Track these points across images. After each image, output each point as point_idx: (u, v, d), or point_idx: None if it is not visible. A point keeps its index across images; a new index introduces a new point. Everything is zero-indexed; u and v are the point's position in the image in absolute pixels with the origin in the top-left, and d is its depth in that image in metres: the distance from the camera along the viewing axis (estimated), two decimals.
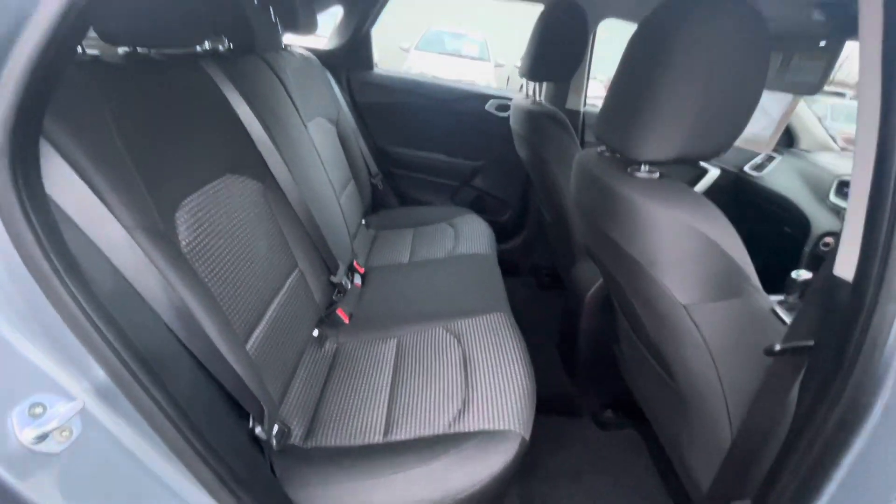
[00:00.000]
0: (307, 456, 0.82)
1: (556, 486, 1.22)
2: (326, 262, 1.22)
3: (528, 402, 0.90)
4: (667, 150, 0.62)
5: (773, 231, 1.63)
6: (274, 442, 0.78)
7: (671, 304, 0.68)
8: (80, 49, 0.77)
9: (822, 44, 1.16)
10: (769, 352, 0.59)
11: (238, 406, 0.72)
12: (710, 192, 1.84)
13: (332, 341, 1.15)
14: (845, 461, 0.50)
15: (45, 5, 0.41)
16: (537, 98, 1.50)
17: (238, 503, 0.61)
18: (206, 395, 0.67)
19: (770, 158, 1.76)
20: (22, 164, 0.46)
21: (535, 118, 1.32)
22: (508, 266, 1.67)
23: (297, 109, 1.40)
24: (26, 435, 0.45)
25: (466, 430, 0.84)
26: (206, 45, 1.18)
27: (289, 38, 1.66)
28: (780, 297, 0.95)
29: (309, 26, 1.58)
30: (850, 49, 1.12)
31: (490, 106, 2.02)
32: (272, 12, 1.44)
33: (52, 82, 0.47)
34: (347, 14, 2.02)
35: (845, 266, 0.49)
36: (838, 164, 1.58)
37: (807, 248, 1.45)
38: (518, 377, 0.95)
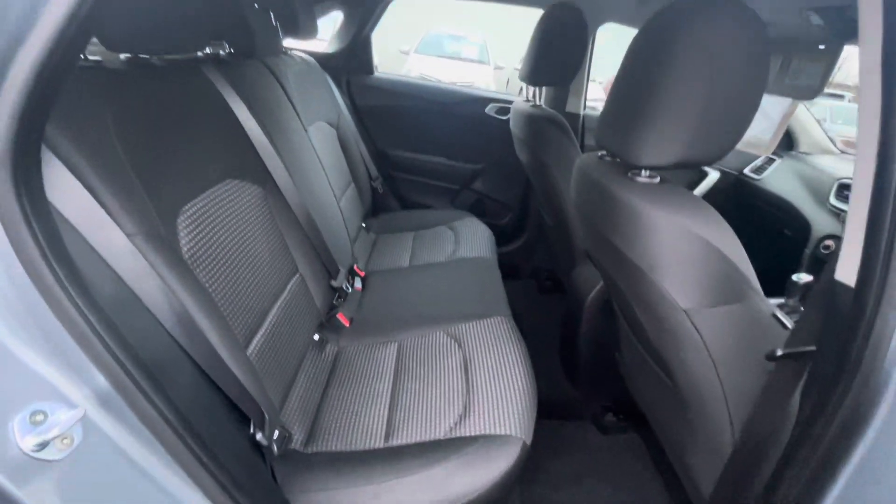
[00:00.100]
0: (308, 461, 0.82)
1: (558, 490, 1.21)
2: (327, 267, 1.22)
3: (530, 407, 0.90)
4: (667, 156, 0.62)
5: (773, 234, 1.63)
6: (275, 447, 0.78)
7: (672, 308, 0.68)
8: (81, 55, 0.77)
9: (821, 47, 1.16)
10: (771, 357, 0.59)
11: (239, 412, 0.72)
12: (710, 195, 1.84)
13: (333, 345, 1.15)
14: (848, 466, 0.50)
15: (47, 15, 0.41)
16: (537, 101, 1.50)
17: None
18: (207, 401, 0.67)
19: (770, 161, 1.77)
20: (24, 171, 0.46)
21: (535, 122, 1.33)
22: (509, 269, 1.67)
23: (297, 113, 1.40)
24: (27, 442, 0.45)
25: (468, 434, 0.84)
26: (207, 49, 1.18)
27: (289, 42, 1.67)
28: (781, 301, 0.95)
29: (309, 30, 1.59)
30: (849, 51, 1.13)
31: (490, 109, 2.03)
32: (272, 17, 1.44)
33: (54, 90, 0.47)
34: (348, 18, 2.02)
35: (847, 271, 0.49)
36: (838, 167, 1.58)
37: (807, 251, 1.45)
38: (519, 381, 0.94)
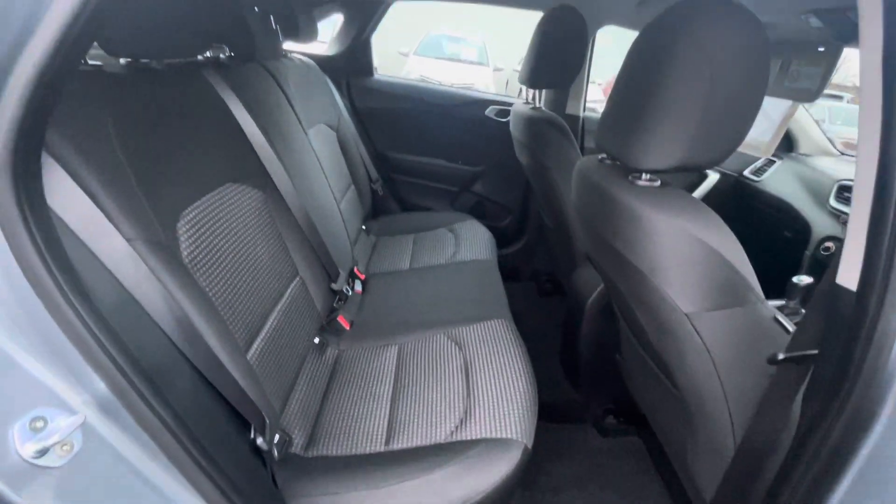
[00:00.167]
0: (308, 466, 0.82)
1: (559, 493, 1.21)
2: (327, 270, 1.22)
3: (531, 410, 0.90)
4: (668, 159, 0.62)
5: (774, 235, 1.63)
6: (275, 452, 0.78)
7: (673, 312, 0.67)
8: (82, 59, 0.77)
9: (821, 49, 1.16)
10: (773, 360, 0.59)
11: (239, 416, 0.72)
12: (710, 197, 1.84)
13: (333, 348, 1.15)
14: (851, 470, 0.49)
15: (48, 21, 0.41)
16: (537, 104, 1.50)
17: None
18: (207, 405, 0.66)
19: (770, 163, 1.77)
20: (24, 177, 0.46)
21: (535, 124, 1.33)
22: (509, 271, 1.67)
23: (297, 116, 1.40)
24: (27, 449, 0.45)
25: (469, 438, 0.84)
26: (207, 53, 1.18)
27: (289, 45, 1.67)
28: (781, 302, 0.95)
29: (309, 34, 1.59)
30: (848, 52, 1.13)
31: (490, 111, 2.03)
32: (272, 20, 1.44)
33: (54, 96, 0.47)
34: (348, 21, 2.02)
35: (848, 275, 0.49)
36: (838, 169, 1.59)
37: (807, 253, 1.45)
38: (520, 385, 0.94)
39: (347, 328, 1.21)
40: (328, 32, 2.09)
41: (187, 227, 0.76)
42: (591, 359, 1.35)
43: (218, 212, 0.85)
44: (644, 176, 0.68)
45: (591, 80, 1.93)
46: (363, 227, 1.80)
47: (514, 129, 1.48)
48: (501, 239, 1.91)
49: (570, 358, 1.47)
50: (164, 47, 0.83)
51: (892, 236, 0.44)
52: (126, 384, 0.51)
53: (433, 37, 7.38)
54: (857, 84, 0.48)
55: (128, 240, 0.61)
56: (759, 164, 1.80)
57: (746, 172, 1.80)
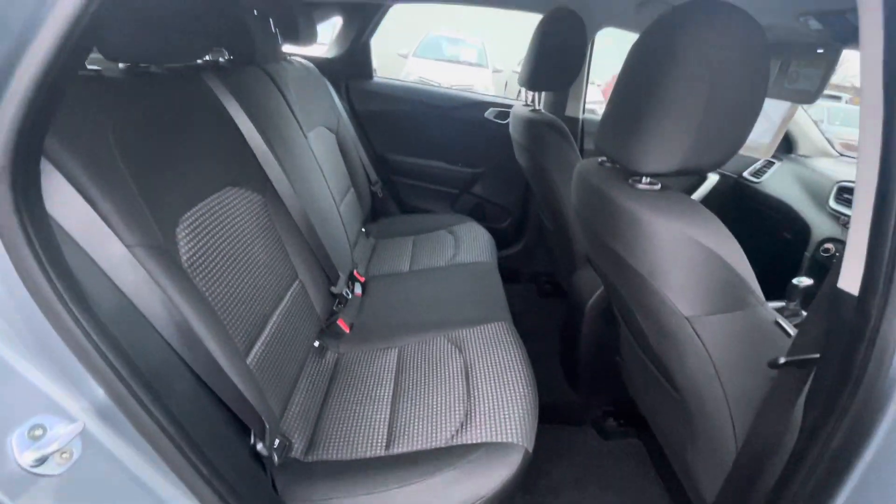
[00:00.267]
0: (308, 471, 0.82)
1: (559, 495, 1.21)
2: (327, 273, 1.22)
3: (531, 414, 0.89)
4: (668, 163, 0.62)
5: (773, 237, 1.63)
6: (275, 457, 0.78)
7: (673, 315, 0.67)
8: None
9: (820, 51, 1.16)
10: (774, 364, 0.59)
11: (239, 422, 0.72)
12: (710, 198, 1.84)
13: (333, 352, 1.14)
14: (854, 475, 0.49)
15: (47, 28, 0.41)
16: (536, 106, 1.50)
17: None
18: (207, 411, 0.66)
19: (769, 164, 1.77)
20: (23, 184, 0.46)
21: (535, 127, 1.33)
22: (508, 273, 1.67)
23: (297, 119, 1.40)
24: (26, 458, 0.45)
25: (469, 442, 0.84)
26: (207, 56, 1.18)
27: (288, 47, 1.67)
28: (781, 304, 0.95)
29: (309, 37, 1.59)
30: (846, 53, 1.13)
31: (489, 114, 2.03)
32: (272, 23, 1.44)
33: (54, 103, 0.47)
34: (347, 24, 2.03)
35: (850, 279, 0.49)
36: (837, 170, 1.59)
37: (807, 254, 1.45)
38: (520, 388, 0.94)
39: (347, 331, 1.21)
40: (328, 34, 2.09)
41: (186, 231, 0.76)
42: (591, 360, 1.35)
43: (217, 216, 0.85)
44: (644, 179, 0.68)
45: (590, 81, 1.93)
46: (363, 229, 1.80)
47: (514, 132, 1.48)
48: (501, 240, 1.91)
49: (570, 360, 1.47)
50: (164, 52, 0.83)
51: (894, 241, 0.44)
52: (125, 391, 0.51)
53: (432, 38, 7.39)
54: (856, 84, 0.48)
55: (127, 245, 0.61)
56: (758, 165, 1.80)
57: (746, 174, 1.80)
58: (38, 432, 0.46)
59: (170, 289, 0.64)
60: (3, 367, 0.45)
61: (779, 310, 0.94)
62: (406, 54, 7.00)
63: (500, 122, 2.01)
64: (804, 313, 0.95)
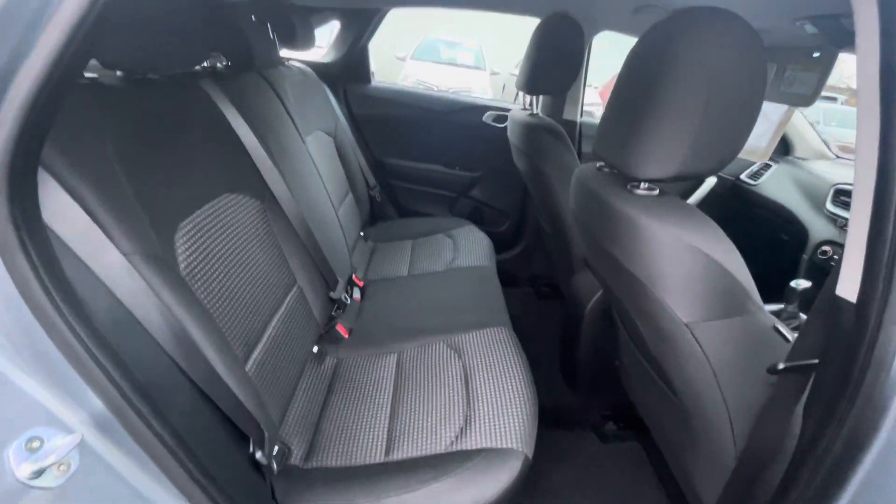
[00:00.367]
0: (307, 477, 0.81)
1: (559, 499, 1.21)
2: (325, 278, 1.21)
3: (531, 419, 0.89)
4: (666, 168, 0.62)
5: (771, 239, 1.63)
6: (274, 465, 0.77)
7: (672, 321, 0.67)
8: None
9: (816, 55, 1.17)
10: (773, 370, 0.59)
11: (238, 430, 0.71)
12: (707, 201, 1.85)
13: (332, 357, 1.14)
14: (854, 481, 0.49)
15: (45, 39, 0.41)
16: (534, 110, 1.50)
17: None
18: (205, 420, 0.66)
19: (766, 167, 1.78)
20: (20, 195, 0.45)
21: (533, 131, 1.33)
22: (507, 276, 1.67)
23: (295, 124, 1.40)
24: (23, 471, 0.44)
25: (469, 448, 0.84)
26: (205, 63, 1.18)
27: (286, 52, 1.67)
28: (779, 307, 0.95)
29: (307, 42, 1.59)
30: (843, 56, 1.14)
31: (487, 117, 2.03)
32: (270, 28, 1.44)
33: (51, 114, 0.47)
34: (345, 28, 2.03)
35: (848, 286, 0.49)
36: (834, 172, 1.59)
37: (805, 257, 1.46)
38: (520, 393, 0.94)
39: (346, 336, 1.20)
40: (325, 38, 2.09)
41: (184, 239, 0.75)
42: (590, 364, 1.35)
43: (215, 223, 0.85)
44: (642, 185, 0.68)
45: (587, 83, 1.94)
46: (361, 233, 1.79)
47: (512, 136, 1.48)
48: (500, 244, 1.91)
49: (570, 363, 1.47)
50: (161, 59, 0.83)
51: (892, 249, 0.44)
52: (123, 401, 0.50)
53: (430, 41, 7.41)
54: (852, 85, 0.48)
55: (125, 254, 0.60)
56: (755, 167, 1.80)
57: (743, 176, 1.81)
58: (36, 444, 0.45)
59: (168, 297, 0.63)
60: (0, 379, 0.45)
61: (777, 312, 0.94)
62: (403, 57, 7.01)
63: (498, 125, 2.02)
64: (802, 316, 0.95)
